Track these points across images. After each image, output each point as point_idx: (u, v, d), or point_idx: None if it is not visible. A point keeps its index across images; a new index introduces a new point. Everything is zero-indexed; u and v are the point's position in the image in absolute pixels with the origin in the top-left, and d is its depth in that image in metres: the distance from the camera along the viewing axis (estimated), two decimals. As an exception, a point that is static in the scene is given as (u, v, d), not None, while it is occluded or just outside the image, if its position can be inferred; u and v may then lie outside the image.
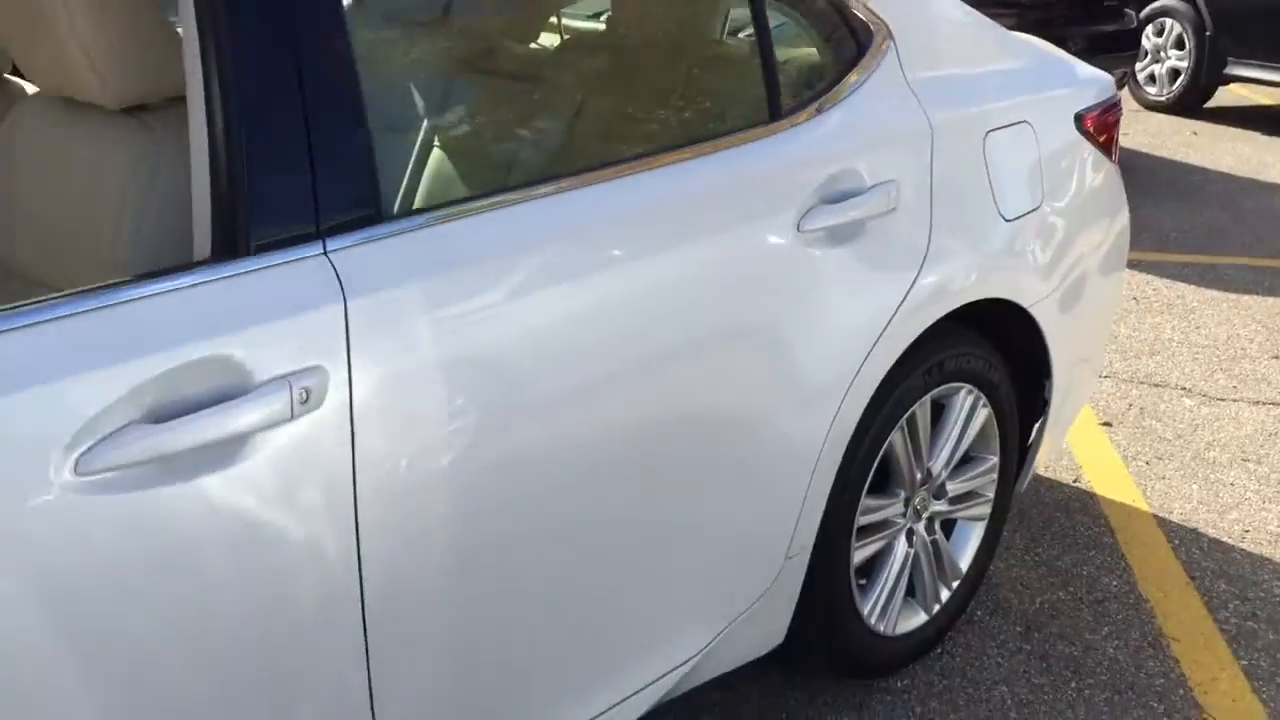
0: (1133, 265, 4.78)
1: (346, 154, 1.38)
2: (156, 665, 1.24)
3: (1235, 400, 3.67)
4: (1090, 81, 2.55)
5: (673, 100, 1.95)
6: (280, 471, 1.29)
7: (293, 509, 1.30)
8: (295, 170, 1.34)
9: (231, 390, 1.25)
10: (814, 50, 2.06)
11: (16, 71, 2.09)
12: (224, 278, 1.28)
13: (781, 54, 1.95)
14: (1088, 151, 2.46)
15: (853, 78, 2.01)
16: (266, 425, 1.26)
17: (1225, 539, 2.90)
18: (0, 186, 1.70)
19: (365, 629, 1.39)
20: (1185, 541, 2.88)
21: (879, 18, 2.07)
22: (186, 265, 1.28)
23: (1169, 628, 2.56)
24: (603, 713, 1.79)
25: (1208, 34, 7.82)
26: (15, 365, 1.13)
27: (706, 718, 2.24)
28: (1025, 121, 2.29)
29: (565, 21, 2.10)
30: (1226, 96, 8.46)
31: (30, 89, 2.06)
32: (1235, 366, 3.92)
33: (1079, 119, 2.45)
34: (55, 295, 1.18)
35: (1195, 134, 7.57)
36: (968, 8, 2.38)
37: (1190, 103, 8.06)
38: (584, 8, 2.13)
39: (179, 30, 1.48)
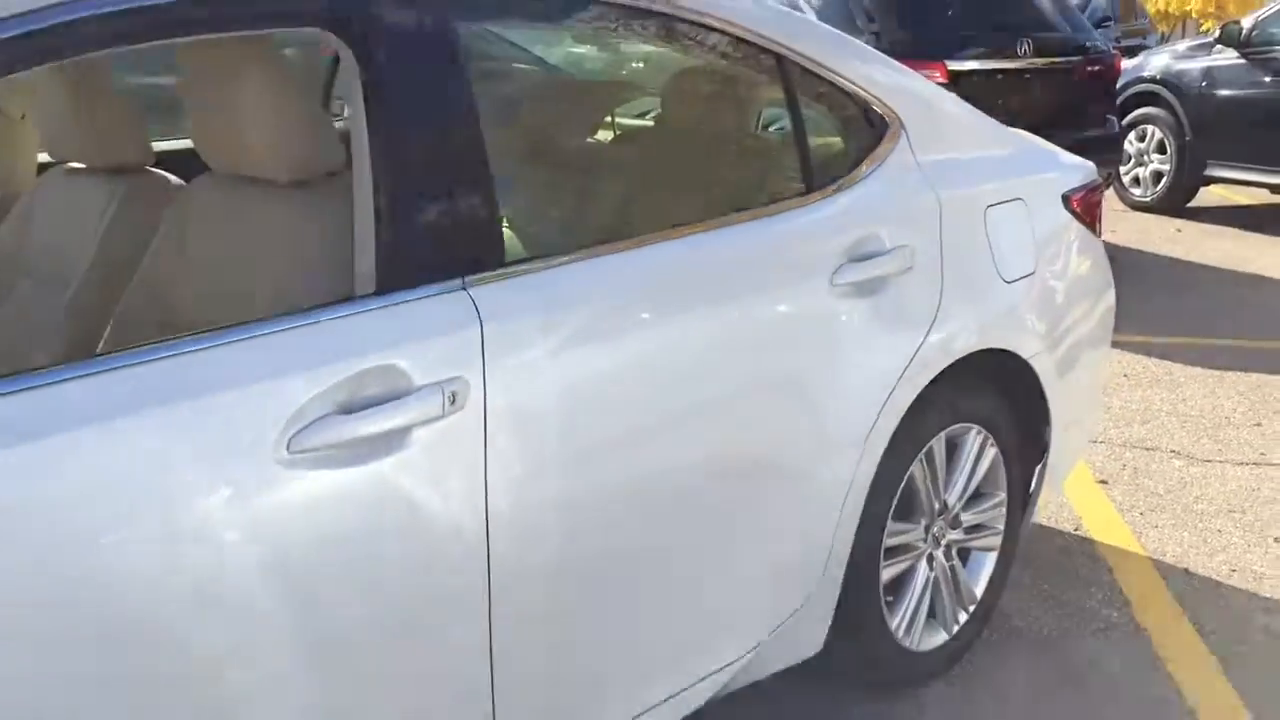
0: (1123, 346, 5.13)
1: (477, 212, 1.73)
2: (336, 603, 1.54)
3: (1221, 461, 3.98)
4: (1075, 167, 2.93)
5: (731, 174, 2.32)
6: (432, 457, 1.61)
7: (439, 487, 1.62)
8: (441, 224, 1.69)
9: (398, 392, 1.58)
10: (839, 137, 2.43)
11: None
12: (390, 305, 1.62)
13: (813, 140, 2.32)
14: (1074, 226, 2.83)
15: (872, 160, 2.38)
16: (424, 421, 1.59)
17: (1214, 577, 3.19)
18: (172, 252, 2.05)
19: (490, 582, 1.69)
20: (1177, 580, 3.17)
21: (892, 110, 2.45)
22: (362, 295, 1.63)
23: (1164, 650, 2.84)
24: (673, 695, 2.07)
25: (1187, 139, 8.30)
26: (248, 366, 1.47)
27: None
28: (1019, 199, 2.66)
29: (643, 114, 2.49)
30: (1208, 197, 8.91)
31: (173, 179, 2.44)
32: (1220, 433, 4.24)
33: (1066, 198, 2.82)
34: (273, 316, 1.52)
35: (1179, 230, 8.01)
36: (966, 104, 2.77)
37: (1173, 203, 8.51)
38: (645, 106, 2.53)
39: (332, 119, 1.85)
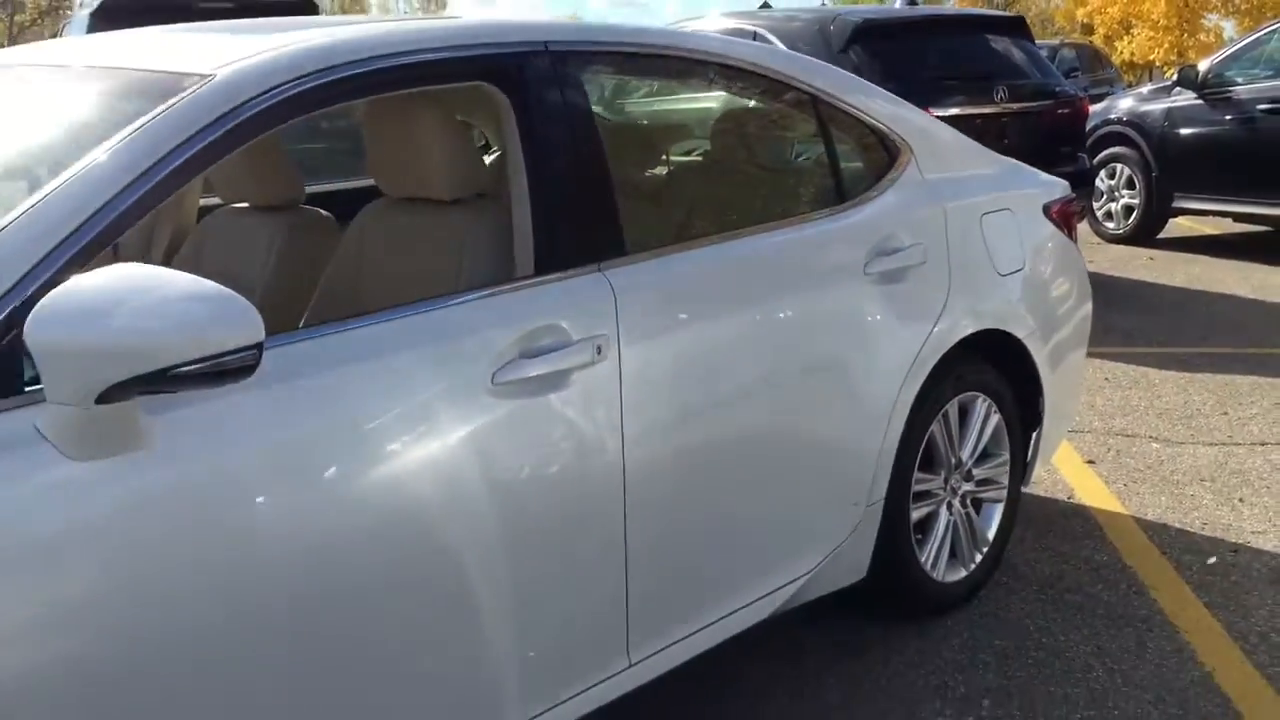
0: (1103, 355, 5.71)
1: (604, 214, 2.30)
2: (521, 494, 2.07)
3: (1193, 443, 4.55)
4: (1052, 184, 3.53)
5: (785, 187, 2.90)
6: (585, 393, 2.15)
7: (591, 415, 2.16)
8: (579, 223, 2.26)
9: (562, 344, 2.13)
10: (862, 160, 3.02)
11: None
12: (550, 282, 2.18)
13: (844, 163, 2.91)
14: (1054, 232, 3.41)
15: (889, 176, 2.96)
16: (580, 366, 2.14)
17: (1188, 529, 3.74)
18: (351, 260, 2.62)
19: (625, 485, 2.23)
20: (1157, 532, 3.72)
21: (903, 138, 3.04)
22: (524, 276, 2.19)
23: (1149, 581, 3.37)
24: (756, 600, 2.61)
25: (1154, 174, 8.97)
26: (460, 324, 2.02)
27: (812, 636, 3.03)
28: (1008, 209, 3.25)
29: (721, 141, 3.10)
30: (1177, 228, 9.57)
31: (323, 212, 3.01)
32: (1191, 421, 4.81)
33: (1046, 209, 3.41)
34: (466, 289, 2.08)
35: (1151, 259, 8.64)
36: (960, 133, 3.37)
37: (1145, 234, 9.17)
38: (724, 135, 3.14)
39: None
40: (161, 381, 1.51)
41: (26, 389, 1.58)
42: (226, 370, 1.54)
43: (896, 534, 2.97)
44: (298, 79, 1.94)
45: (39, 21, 44.19)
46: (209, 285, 1.56)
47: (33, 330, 1.48)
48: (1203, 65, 8.91)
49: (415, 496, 1.92)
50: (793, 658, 2.99)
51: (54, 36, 12.60)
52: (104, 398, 1.51)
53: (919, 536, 3.08)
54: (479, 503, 2.01)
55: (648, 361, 2.27)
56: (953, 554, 3.19)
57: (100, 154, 1.74)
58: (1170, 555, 3.55)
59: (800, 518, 2.70)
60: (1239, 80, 8.61)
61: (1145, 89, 10.00)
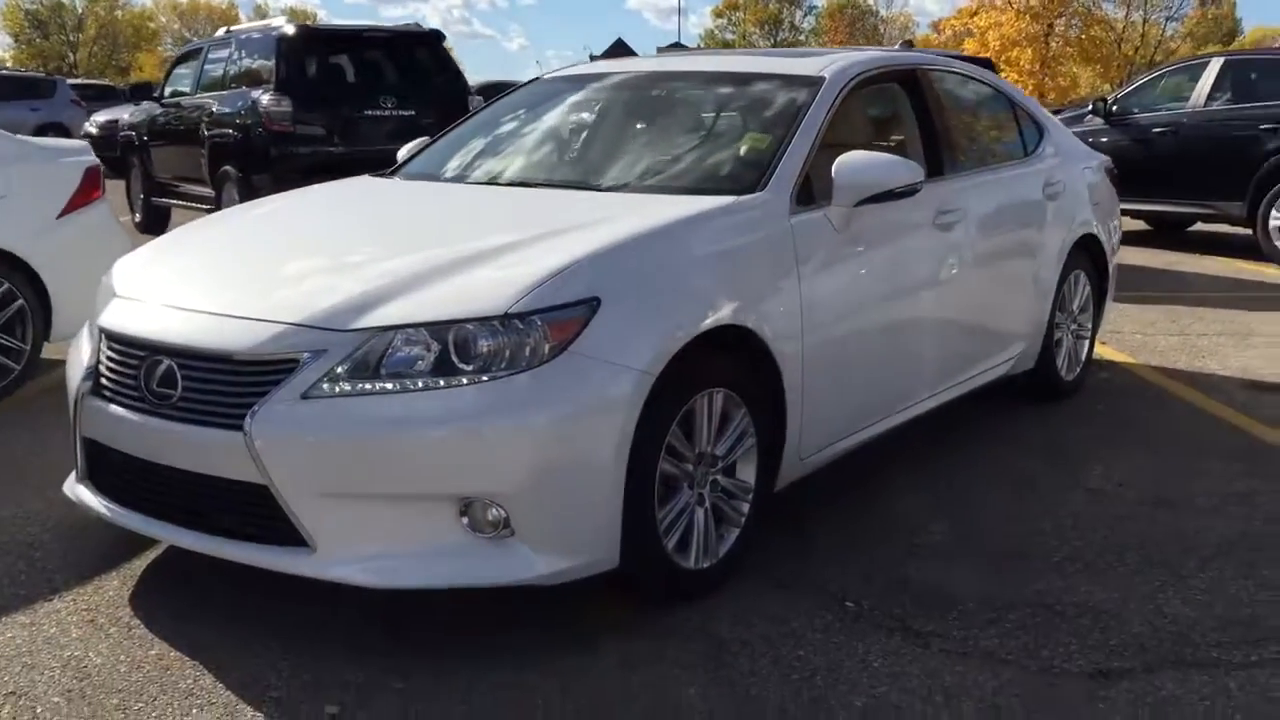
0: (1079, 294, 8.21)
1: (949, 149, 4.56)
2: (937, 280, 4.30)
3: (1161, 335, 7.04)
4: (1104, 157, 5.95)
5: (1004, 145, 5.22)
6: (959, 233, 4.39)
7: (960, 244, 4.40)
8: (940, 153, 4.51)
9: (951, 209, 4.35)
10: (1029, 135, 5.35)
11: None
12: (938, 182, 4.41)
13: (1024, 135, 5.25)
14: (1109, 184, 5.82)
15: (1042, 144, 5.32)
16: (958, 220, 4.38)
17: (1175, 367, 6.17)
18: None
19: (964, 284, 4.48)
20: (1157, 370, 6.14)
21: (1043, 124, 5.39)
22: (924, 180, 4.42)
23: (1159, 385, 5.78)
24: (987, 369, 4.86)
25: (1072, 182, 11.65)
26: (921, 197, 4.24)
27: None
28: (1091, 166, 5.64)
29: (975, 117, 5.40)
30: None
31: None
32: (1155, 326, 7.32)
33: (1105, 168, 5.82)
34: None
35: (1075, 245, 11.31)
36: (1062, 124, 5.75)
37: (1065, 228, 11.83)
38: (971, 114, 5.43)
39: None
40: (883, 197, 3.70)
41: (813, 202, 3.71)
42: (905, 193, 3.73)
43: (1049, 344, 5.28)
44: (854, 76, 4.16)
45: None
46: (894, 156, 3.75)
47: (835, 174, 3.64)
48: (1110, 99, 11.64)
49: (906, 264, 4.13)
50: (1006, 423, 5.26)
51: (189, 48, 13.23)
52: (859, 204, 3.69)
53: (1055, 350, 5.40)
54: (925, 277, 4.23)
55: (972, 221, 4.52)
56: (1068, 364, 5.53)
57: (806, 113, 3.90)
58: (1166, 375, 5.98)
59: (1017, 325, 4.99)
60: (1136, 110, 11.35)
61: (1059, 118, 12.73)
